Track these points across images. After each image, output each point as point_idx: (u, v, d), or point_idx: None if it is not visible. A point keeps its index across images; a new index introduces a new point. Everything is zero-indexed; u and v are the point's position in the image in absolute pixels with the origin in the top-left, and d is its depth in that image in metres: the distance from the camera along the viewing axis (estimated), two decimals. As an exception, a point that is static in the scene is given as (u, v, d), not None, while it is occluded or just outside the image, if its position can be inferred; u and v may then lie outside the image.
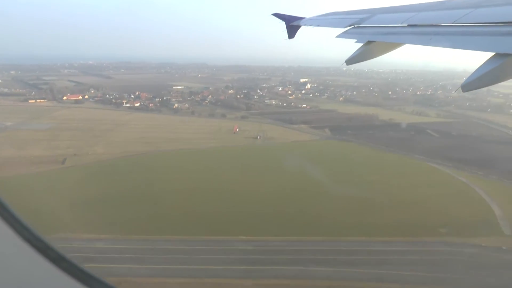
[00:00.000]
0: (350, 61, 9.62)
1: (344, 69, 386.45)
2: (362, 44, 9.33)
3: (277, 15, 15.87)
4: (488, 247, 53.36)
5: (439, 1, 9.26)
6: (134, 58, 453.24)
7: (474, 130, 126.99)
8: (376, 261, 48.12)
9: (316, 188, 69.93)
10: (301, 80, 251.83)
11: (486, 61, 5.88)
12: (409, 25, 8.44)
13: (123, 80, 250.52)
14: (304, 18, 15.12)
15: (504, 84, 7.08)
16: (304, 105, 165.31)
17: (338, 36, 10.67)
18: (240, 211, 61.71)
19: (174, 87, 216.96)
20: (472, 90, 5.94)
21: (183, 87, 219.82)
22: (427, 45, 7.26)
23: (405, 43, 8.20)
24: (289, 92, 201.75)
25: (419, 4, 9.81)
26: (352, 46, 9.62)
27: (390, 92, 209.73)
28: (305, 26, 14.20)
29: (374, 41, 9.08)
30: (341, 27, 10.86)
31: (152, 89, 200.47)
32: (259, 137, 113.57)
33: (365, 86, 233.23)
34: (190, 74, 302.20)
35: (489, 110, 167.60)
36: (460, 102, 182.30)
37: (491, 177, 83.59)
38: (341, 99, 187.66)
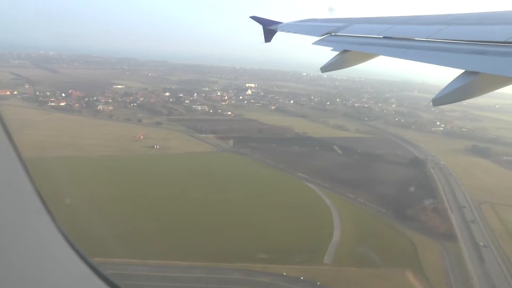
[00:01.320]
0: (325, 68, 9.70)
1: (312, 75, 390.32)
2: (337, 52, 9.46)
3: (255, 18, 15.73)
4: (288, 277, 54.21)
5: (414, 16, 9.44)
6: (97, 52, 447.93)
7: (382, 148, 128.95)
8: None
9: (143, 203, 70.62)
10: (246, 85, 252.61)
11: (456, 77, 5.95)
12: (385, 37, 8.57)
13: (69, 76, 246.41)
14: (281, 23, 15.09)
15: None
16: (230, 113, 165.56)
17: (314, 43, 10.70)
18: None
19: (114, 86, 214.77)
20: (442, 105, 5.99)
21: (123, 86, 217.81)
22: (401, 58, 7.38)
23: (380, 55, 8.30)
24: (226, 97, 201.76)
25: (395, 17, 10.07)
26: (328, 53, 9.76)
27: (328, 103, 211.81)
28: (281, 32, 14.22)
29: (350, 51, 9.19)
30: (317, 35, 10.90)
31: (90, 87, 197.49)
32: (156, 146, 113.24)
33: (308, 95, 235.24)
34: (142, 72, 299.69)
35: (413, 127, 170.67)
36: (390, 117, 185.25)
37: (358, 201, 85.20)
38: (273, 107, 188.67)
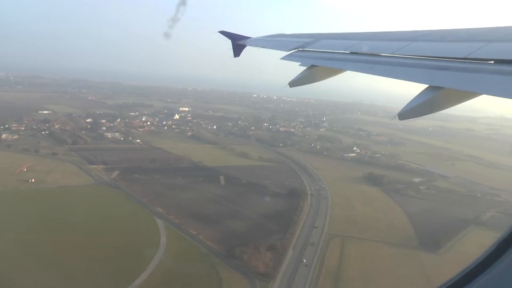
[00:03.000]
0: (293, 83, 9.73)
1: (262, 96, 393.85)
2: (305, 67, 9.58)
3: (223, 33, 15.69)
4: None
5: (380, 32, 9.59)
6: (50, 71, 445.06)
7: (273, 177, 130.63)
8: None
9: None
10: (180, 109, 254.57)
11: (421, 92, 6.12)
12: (352, 53, 8.78)
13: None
14: (250, 38, 15.11)
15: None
16: (139, 141, 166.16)
17: (282, 58, 10.77)
18: None
19: (39, 112, 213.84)
20: (407, 118, 6.12)
21: (49, 112, 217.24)
22: (367, 73, 7.57)
23: (347, 70, 8.46)
24: (148, 123, 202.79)
25: (362, 33, 10.23)
26: (296, 69, 9.79)
27: (253, 127, 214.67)
28: (250, 47, 14.24)
29: (317, 66, 9.34)
30: (285, 50, 10.95)
31: (8, 114, 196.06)
32: (31, 180, 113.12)
33: (238, 119, 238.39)
34: (82, 96, 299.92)
35: (325, 153, 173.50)
36: (308, 143, 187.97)
37: (197, 238, 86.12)
38: (190, 133, 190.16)
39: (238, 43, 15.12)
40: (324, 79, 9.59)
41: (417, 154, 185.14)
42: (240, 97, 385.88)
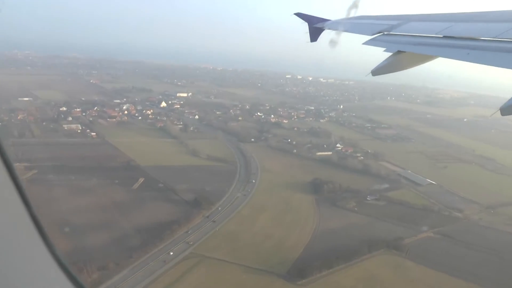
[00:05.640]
0: (376, 71, 9.67)
1: (298, 77, 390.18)
2: (391, 53, 9.44)
3: (300, 15, 15.44)
4: None
5: (478, 12, 9.05)
6: (78, 49, 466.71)
7: (199, 181, 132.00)
8: None
9: None
10: (178, 95, 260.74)
11: None
12: (445, 37, 8.45)
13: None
14: (329, 20, 14.91)
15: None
16: (93, 134, 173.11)
17: (365, 43, 10.62)
18: None
19: (19, 99, 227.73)
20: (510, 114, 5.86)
21: (30, 99, 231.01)
22: (464, 60, 7.26)
23: (439, 56, 8.23)
24: (121, 113, 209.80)
25: (457, 13, 9.63)
26: (380, 55, 9.67)
27: (240, 118, 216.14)
28: (329, 30, 14.09)
29: (405, 52, 9.15)
30: (368, 34, 10.77)
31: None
32: None
33: (234, 106, 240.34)
34: (86, 78, 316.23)
35: (294, 151, 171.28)
36: (283, 139, 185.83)
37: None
38: (159, 125, 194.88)
39: (316, 27, 14.76)
40: (411, 66, 9.45)
41: (412, 153, 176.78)
42: (271, 78, 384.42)
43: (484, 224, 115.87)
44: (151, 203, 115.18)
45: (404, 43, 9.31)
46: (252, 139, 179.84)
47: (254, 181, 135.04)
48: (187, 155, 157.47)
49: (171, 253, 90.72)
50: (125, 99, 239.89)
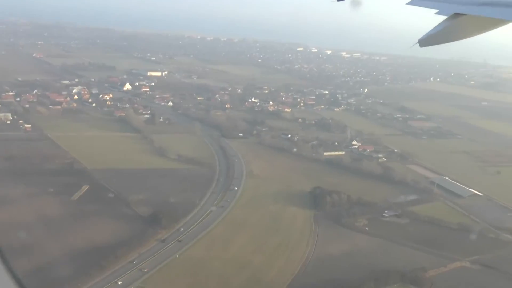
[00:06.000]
0: (425, 41, 9.39)
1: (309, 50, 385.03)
2: (445, 17, 9.30)
3: None
4: None
5: None
6: (15, 11, 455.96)
7: (163, 190, 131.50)
8: None
9: None
10: (149, 74, 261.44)
11: None
12: None
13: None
14: None
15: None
16: (28, 126, 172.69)
17: (409, 3, 10.70)
18: None
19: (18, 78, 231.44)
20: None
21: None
22: None
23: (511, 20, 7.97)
24: (69, 99, 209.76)
25: None
26: (430, 19, 9.19)
27: (228, 105, 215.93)
28: None
29: (464, 15, 8.90)
30: None
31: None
32: None
33: (222, 90, 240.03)
34: (28, 51, 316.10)
35: (295, 150, 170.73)
36: (281, 133, 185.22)
37: None
38: (119, 115, 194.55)
39: None
40: (472, 35, 9.08)
41: (455, 154, 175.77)
42: (276, 51, 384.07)
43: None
44: (93, 220, 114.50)
45: (464, 3, 9.05)
46: (241, 134, 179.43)
47: (236, 188, 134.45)
48: (151, 155, 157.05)
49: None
50: (77, 80, 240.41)
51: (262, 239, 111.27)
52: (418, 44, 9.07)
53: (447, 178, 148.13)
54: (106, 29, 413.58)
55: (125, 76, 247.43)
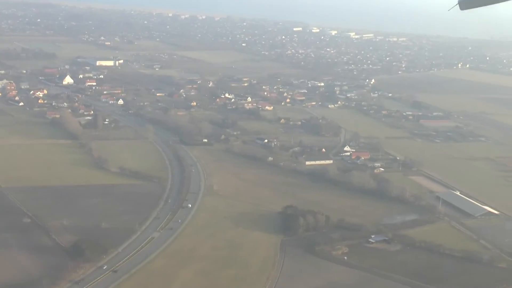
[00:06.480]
0: (467, 3, 10.15)
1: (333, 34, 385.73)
2: None
3: None
4: None
5: None
6: None
7: (93, 212, 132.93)
8: None
9: None
10: (98, 63, 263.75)
11: None
12: None
13: None
14: None
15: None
16: None
17: None
18: None
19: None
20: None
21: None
22: None
23: None
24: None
25: None
26: None
27: (194, 103, 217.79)
28: None
29: None
30: None
31: None
32: None
33: (190, 83, 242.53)
34: None
35: (270, 159, 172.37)
36: (255, 137, 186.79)
37: None
38: (52, 116, 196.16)
39: None
40: None
41: (474, 161, 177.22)
42: (267, 32, 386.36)
43: None
44: (1, 251, 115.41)
45: None
46: (205, 140, 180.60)
47: (190, 206, 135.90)
48: (86, 168, 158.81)
49: None
50: (3, 72, 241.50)
51: (214, 273, 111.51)
52: (458, 6, 9.57)
53: (457, 193, 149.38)
54: (50, 4, 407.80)
55: (66, 67, 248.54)
